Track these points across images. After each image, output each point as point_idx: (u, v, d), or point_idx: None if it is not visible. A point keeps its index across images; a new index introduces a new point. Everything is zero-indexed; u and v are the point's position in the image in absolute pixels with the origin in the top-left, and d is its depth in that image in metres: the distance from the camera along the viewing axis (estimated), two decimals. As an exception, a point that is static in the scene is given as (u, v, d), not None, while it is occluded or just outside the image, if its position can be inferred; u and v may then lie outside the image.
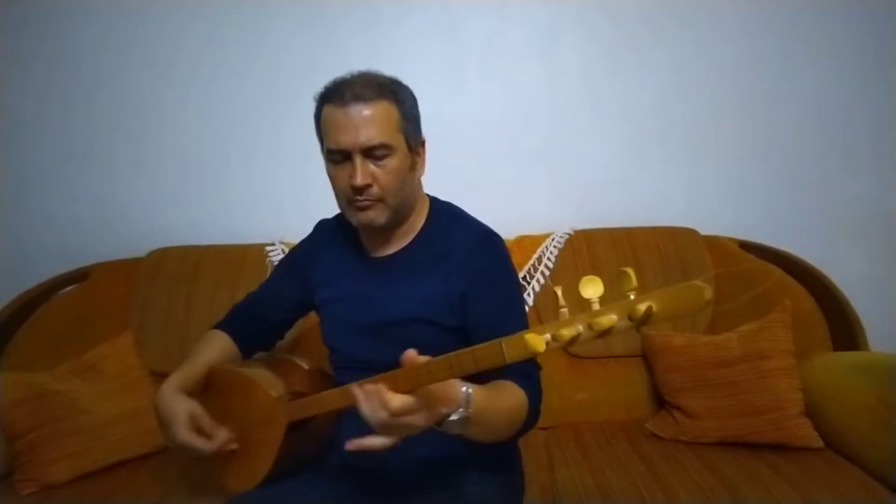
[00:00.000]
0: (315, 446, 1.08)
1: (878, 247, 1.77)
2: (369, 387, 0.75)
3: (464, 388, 0.78)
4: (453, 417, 0.77)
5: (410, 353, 0.74)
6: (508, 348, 0.64)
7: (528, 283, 1.63)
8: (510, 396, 0.90)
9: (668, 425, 1.39)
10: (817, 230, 1.76)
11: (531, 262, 1.66)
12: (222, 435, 1.01)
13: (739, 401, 1.32)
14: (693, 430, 1.35)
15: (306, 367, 1.11)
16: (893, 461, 1.14)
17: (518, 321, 1.02)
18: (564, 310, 0.60)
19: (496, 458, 1.05)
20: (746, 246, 1.67)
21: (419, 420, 0.74)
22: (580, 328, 0.58)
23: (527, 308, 1.42)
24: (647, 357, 1.52)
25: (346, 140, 0.95)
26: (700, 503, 1.11)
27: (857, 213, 1.77)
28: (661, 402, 1.47)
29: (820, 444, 1.28)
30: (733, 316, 1.49)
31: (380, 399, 0.73)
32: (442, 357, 0.71)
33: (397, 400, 0.72)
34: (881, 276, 1.75)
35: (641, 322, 0.55)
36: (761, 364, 1.33)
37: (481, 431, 0.84)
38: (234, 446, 1.03)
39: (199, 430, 1.00)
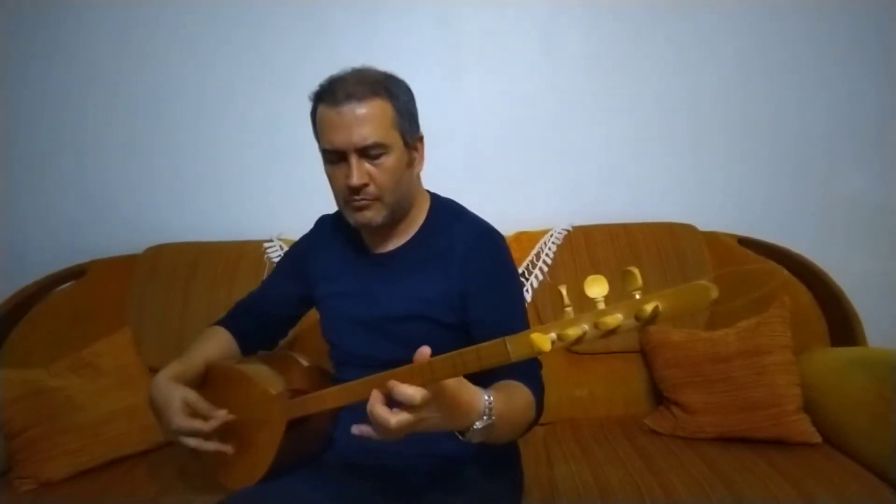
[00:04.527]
0: (314, 443, 1.07)
1: (878, 243, 1.76)
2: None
3: (486, 397, 0.78)
4: (477, 426, 0.77)
5: (424, 352, 0.73)
6: (513, 347, 0.64)
7: (527, 280, 1.63)
8: (521, 397, 0.90)
9: (667, 421, 1.40)
10: (817, 227, 1.76)
11: (529, 258, 1.66)
12: (220, 414, 1.00)
13: (737, 396, 1.32)
14: (691, 426, 1.35)
15: (305, 363, 1.11)
16: (891, 456, 1.14)
17: (519, 319, 1.03)
18: (569, 309, 0.59)
19: (496, 455, 1.05)
20: (745, 242, 1.67)
21: (430, 414, 0.73)
22: (586, 327, 0.58)
23: (525, 305, 1.41)
24: (645, 353, 1.52)
25: (339, 140, 0.95)
26: (698, 498, 1.10)
27: (857, 209, 1.76)
28: (659, 397, 1.47)
29: (818, 439, 1.28)
30: (732, 312, 1.49)
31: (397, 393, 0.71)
32: (446, 355, 0.70)
33: (412, 391, 0.71)
34: (881, 272, 1.75)
35: (648, 322, 0.55)
36: (759, 360, 1.33)
37: (499, 436, 0.84)
38: (231, 418, 1.01)
39: (195, 414, 0.99)
